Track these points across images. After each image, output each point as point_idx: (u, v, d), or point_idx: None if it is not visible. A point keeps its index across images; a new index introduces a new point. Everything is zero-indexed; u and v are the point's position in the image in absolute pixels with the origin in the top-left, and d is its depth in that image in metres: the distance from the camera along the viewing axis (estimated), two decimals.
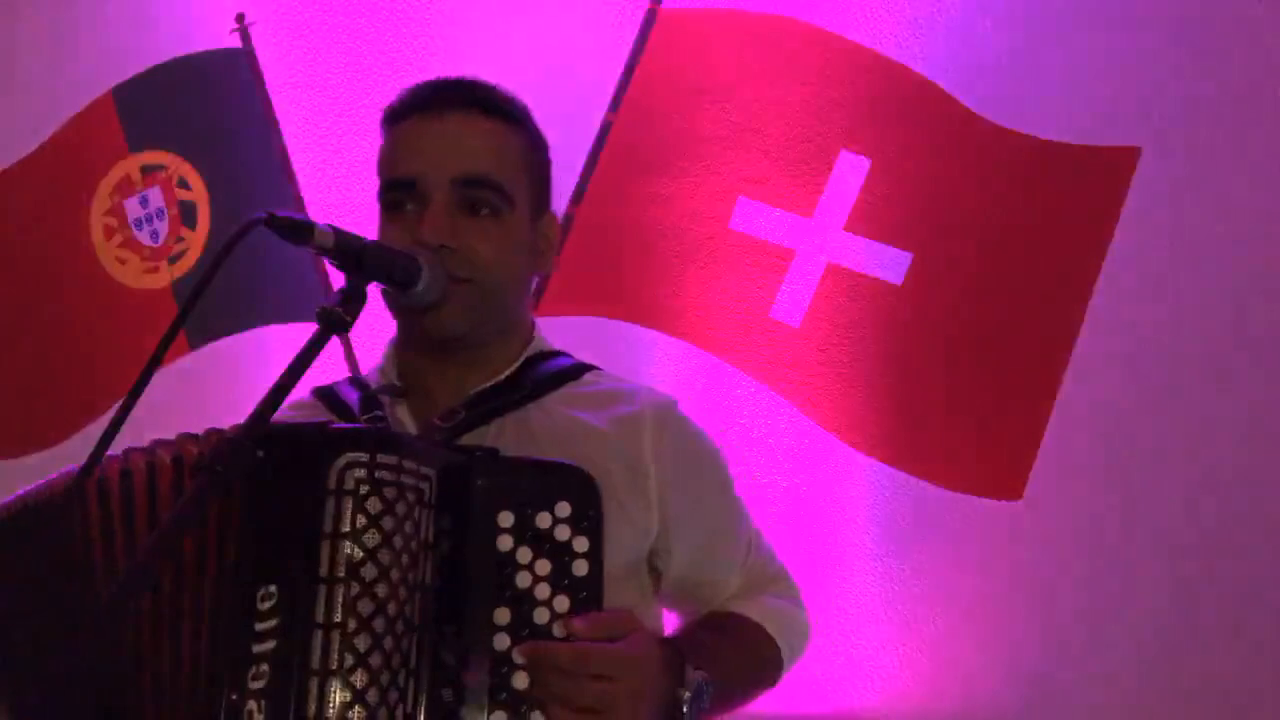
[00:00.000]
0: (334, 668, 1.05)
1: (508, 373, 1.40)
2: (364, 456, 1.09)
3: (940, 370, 2.51)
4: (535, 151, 1.45)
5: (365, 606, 1.06)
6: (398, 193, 1.36)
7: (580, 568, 1.14)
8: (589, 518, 1.16)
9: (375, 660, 1.06)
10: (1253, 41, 2.59)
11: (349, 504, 1.08)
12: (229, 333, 2.84)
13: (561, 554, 1.14)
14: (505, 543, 1.14)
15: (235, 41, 2.88)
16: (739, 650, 1.38)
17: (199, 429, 1.31)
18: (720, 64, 2.61)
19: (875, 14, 2.75)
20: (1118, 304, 2.49)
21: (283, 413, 1.33)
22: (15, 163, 3.06)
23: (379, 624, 1.07)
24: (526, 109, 1.48)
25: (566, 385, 1.42)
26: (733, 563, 1.45)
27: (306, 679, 1.05)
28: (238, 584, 1.08)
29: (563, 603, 1.13)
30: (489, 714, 1.10)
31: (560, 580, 1.13)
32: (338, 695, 1.04)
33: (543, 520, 1.15)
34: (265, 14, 2.93)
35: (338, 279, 1.22)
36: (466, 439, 1.33)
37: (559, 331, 2.62)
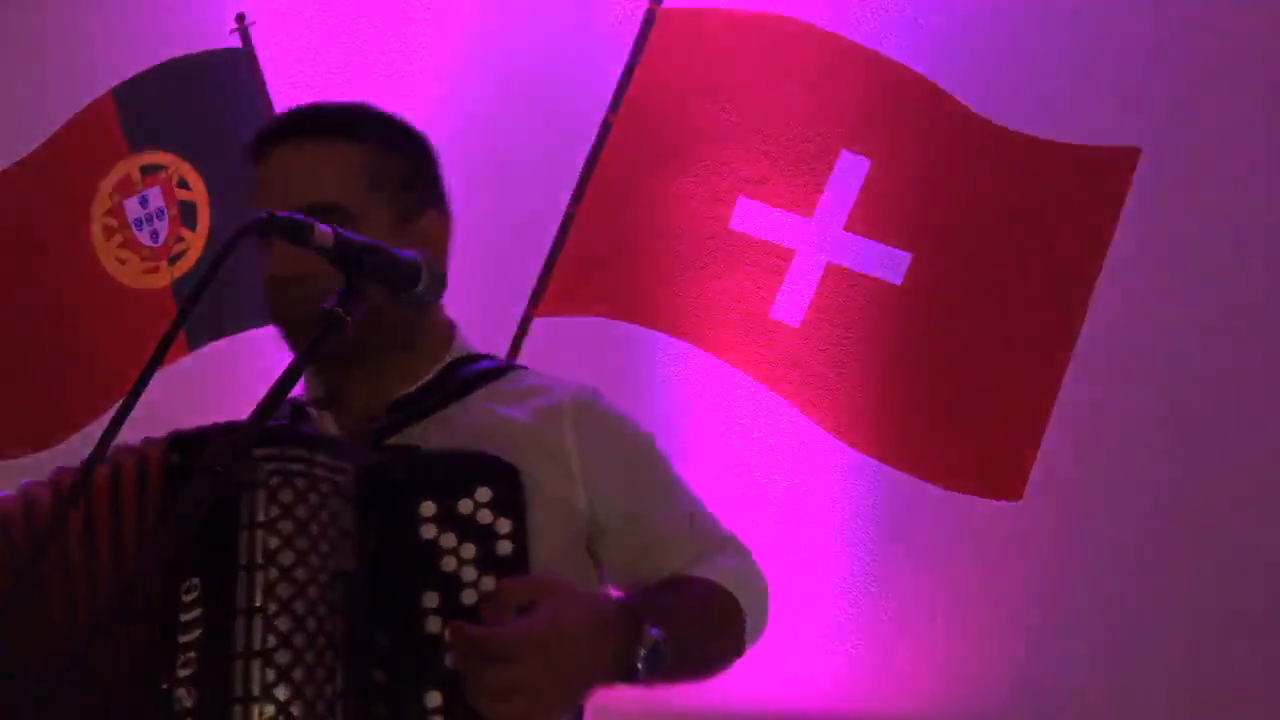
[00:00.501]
0: (257, 649, 1.10)
1: (428, 378, 1.41)
2: (274, 451, 1.15)
3: (940, 370, 2.51)
4: (388, 157, 1.42)
5: (285, 590, 1.12)
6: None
7: (504, 548, 1.17)
8: (510, 500, 1.19)
9: (298, 640, 1.11)
10: (1253, 41, 2.59)
11: (262, 495, 1.14)
12: (229, 333, 2.84)
13: (485, 536, 1.17)
14: (429, 530, 1.17)
15: (235, 41, 2.89)
16: (695, 607, 1.35)
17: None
18: (720, 64, 2.61)
19: (875, 14, 2.75)
20: (1118, 304, 2.49)
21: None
22: (15, 163, 3.06)
23: (299, 606, 1.12)
24: (375, 117, 1.47)
25: (490, 384, 1.43)
26: (675, 537, 1.42)
27: (231, 662, 1.10)
28: (163, 581, 1.13)
29: (489, 583, 1.16)
30: (425, 693, 1.13)
31: (485, 562, 1.16)
32: (263, 674, 1.10)
33: (464, 506, 1.18)
34: (265, 14, 2.94)
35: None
36: (392, 442, 1.35)
37: (559, 331, 2.64)
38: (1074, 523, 2.57)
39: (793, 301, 2.57)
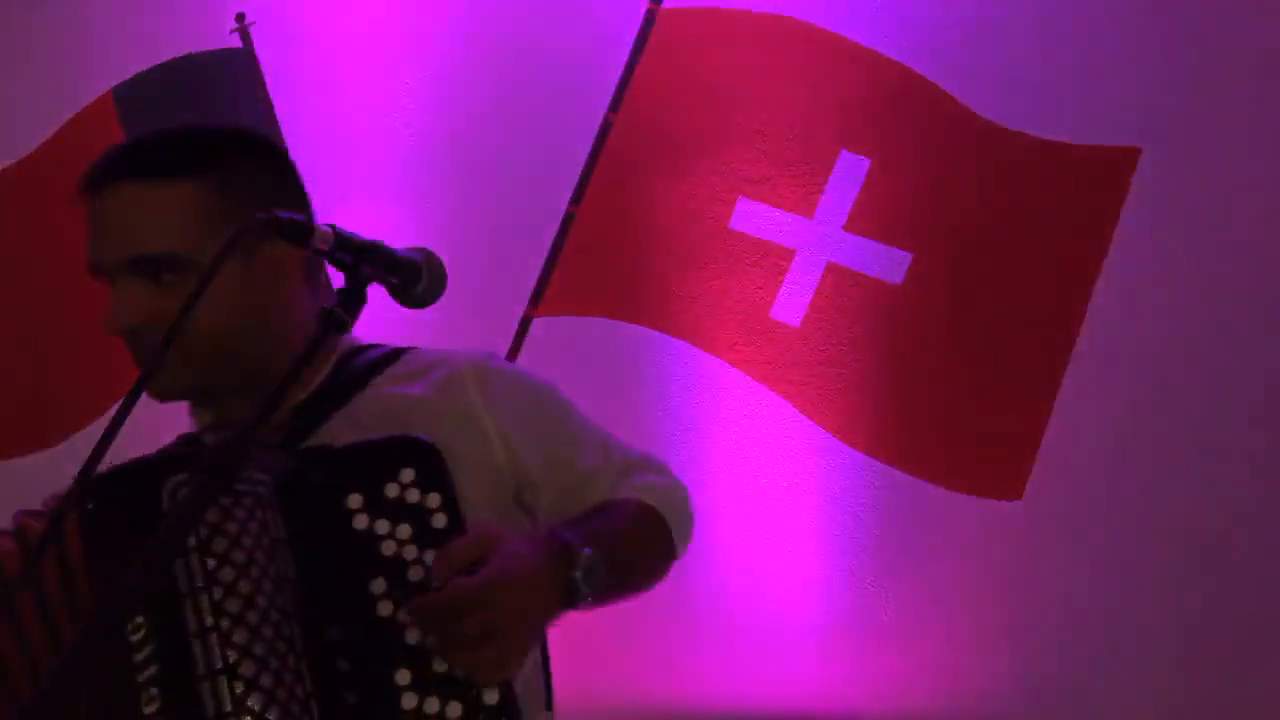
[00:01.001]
0: (219, 666, 1.11)
1: (321, 379, 1.40)
2: (186, 475, 1.16)
3: (940, 370, 2.51)
4: (222, 190, 1.34)
5: (233, 605, 1.13)
6: (94, 275, 1.39)
7: (439, 520, 1.19)
8: (433, 475, 1.20)
9: (258, 649, 1.12)
10: (1253, 41, 2.59)
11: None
12: None
13: (418, 514, 1.19)
14: (361, 521, 1.19)
15: (235, 41, 2.88)
16: (620, 524, 1.39)
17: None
18: (720, 64, 2.61)
19: (875, 14, 2.75)
20: (1118, 304, 2.49)
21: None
22: (15, 163, 3.06)
23: (252, 617, 1.13)
24: (216, 140, 1.40)
25: (384, 369, 1.43)
26: (594, 469, 1.46)
27: (197, 685, 1.11)
28: (106, 627, 1.10)
29: (431, 557, 1.18)
30: (393, 672, 1.15)
31: (424, 539, 1.18)
32: (231, 688, 1.11)
33: (391, 490, 1.19)
34: (265, 14, 2.94)
35: (337, 279, 1.22)
36: (304, 446, 1.34)
37: (559, 331, 2.64)
38: (1074, 523, 2.56)
39: (793, 301, 2.57)
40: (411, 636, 1.15)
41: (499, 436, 1.38)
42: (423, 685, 1.14)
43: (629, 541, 1.38)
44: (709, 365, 2.67)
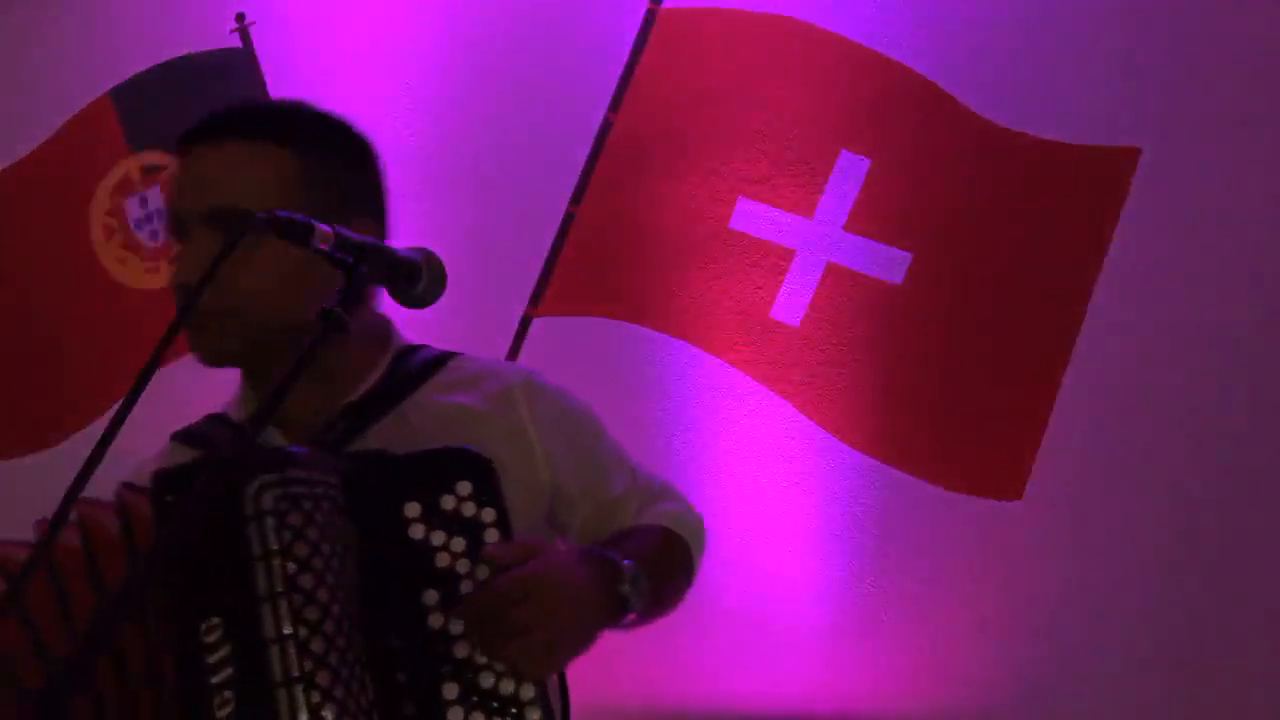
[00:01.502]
0: (296, 675, 1.09)
1: (374, 379, 1.41)
2: (273, 477, 1.13)
3: (940, 370, 2.51)
4: (314, 163, 1.38)
5: (312, 613, 1.11)
6: (172, 229, 1.38)
7: (492, 536, 1.20)
8: (489, 490, 1.22)
9: (333, 659, 1.11)
10: (1253, 41, 2.58)
11: (270, 523, 1.12)
12: None
13: (472, 529, 1.20)
14: (418, 531, 1.19)
15: (235, 41, 2.89)
16: (651, 546, 1.43)
17: None
18: (720, 64, 2.61)
19: (875, 14, 2.75)
20: (1118, 304, 2.49)
21: (145, 463, 1.36)
22: (15, 163, 3.07)
23: (329, 627, 1.12)
24: (311, 118, 1.43)
25: (435, 375, 1.44)
26: (625, 494, 1.51)
27: (273, 692, 1.09)
28: (179, 625, 1.11)
29: (484, 572, 1.19)
30: (441, 687, 1.15)
31: (476, 553, 1.19)
32: (308, 698, 1.09)
33: (447, 502, 1.20)
34: (265, 14, 2.94)
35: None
36: (350, 449, 1.34)
37: (559, 331, 2.64)
38: (1074, 523, 2.56)
39: (793, 301, 2.57)
40: (460, 650, 1.16)
41: (543, 454, 1.41)
42: (469, 700, 1.14)
43: (661, 564, 1.40)
44: (709, 365, 2.67)
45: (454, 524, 1.20)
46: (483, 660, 1.16)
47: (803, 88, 2.59)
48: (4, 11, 3.27)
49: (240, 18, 2.89)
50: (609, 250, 2.62)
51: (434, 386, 1.42)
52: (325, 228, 1.17)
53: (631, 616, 1.28)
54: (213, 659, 1.10)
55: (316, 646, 1.10)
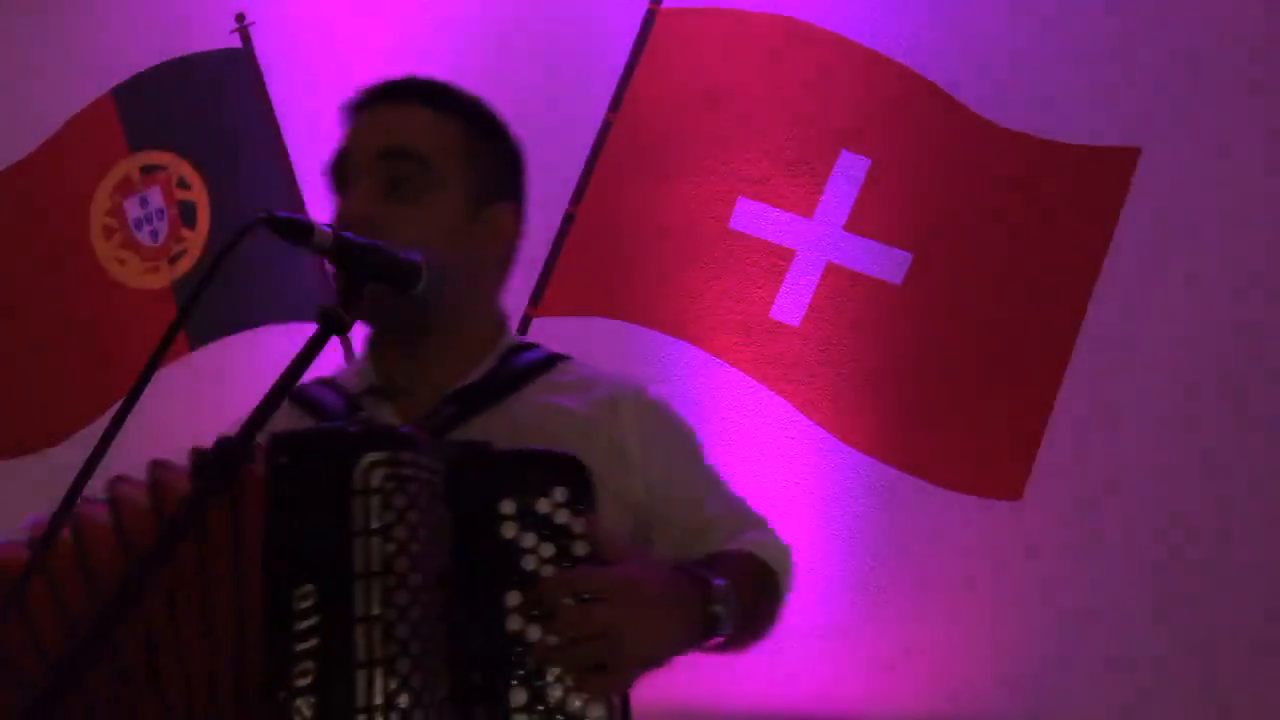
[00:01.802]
0: (379, 657, 1.07)
1: (485, 368, 1.43)
2: (384, 455, 1.12)
3: (940, 370, 2.51)
4: (481, 141, 1.45)
5: (402, 598, 1.09)
6: (335, 176, 1.42)
7: (581, 548, 1.18)
8: (584, 499, 1.20)
9: (415, 647, 1.09)
10: (1253, 42, 2.59)
11: (376, 501, 1.10)
12: (229, 333, 2.84)
13: (562, 536, 1.18)
14: (509, 530, 1.17)
15: (235, 41, 2.89)
16: (745, 572, 1.42)
17: (199, 429, 1.31)
18: (720, 64, 2.61)
19: (875, 14, 2.75)
20: (1117, 304, 2.49)
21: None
22: (15, 163, 3.07)
23: (415, 613, 1.10)
24: (478, 106, 1.49)
25: (543, 375, 1.46)
26: (717, 515, 1.50)
27: (353, 671, 1.07)
28: (271, 586, 1.10)
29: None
30: (510, 692, 1.13)
31: (563, 561, 1.17)
32: (385, 683, 1.07)
33: (542, 506, 1.19)
34: (265, 14, 2.94)
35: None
36: (453, 434, 1.35)
37: (559, 331, 2.64)
38: (1074, 523, 2.56)
39: (793, 301, 2.57)
40: (531, 661, 1.14)
41: (643, 471, 1.41)
42: (535, 709, 1.13)
43: (750, 589, 1.38)
44: (709, 365, 2.67)
45: (545, 528, 1.18)
46: (555, 672, 1.13)
47: (803, 88, 2.59)
48: (4, 12, 3.27)
49: (240, 18, 2.89)
50: (609, 250, 2.62)
51: (542, 386, 1.44)
52: (325, 228, 1.17)
53: (718, 640, 1.25)
54: (301, 626, 1.08)
55: (401, 632, 1.08)
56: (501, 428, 1.35)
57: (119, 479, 1.20)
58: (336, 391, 1.44)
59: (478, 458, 1.21)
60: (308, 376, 1.17)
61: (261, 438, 1.12)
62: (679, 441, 1.49)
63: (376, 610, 1.08)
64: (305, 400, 1.43)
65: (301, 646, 1.08)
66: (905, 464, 2.53)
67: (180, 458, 1.21)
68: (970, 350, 2.49)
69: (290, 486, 1.12)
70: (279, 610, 1.09)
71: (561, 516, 1.19)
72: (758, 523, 1.55)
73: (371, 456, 1.11)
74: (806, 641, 2.66)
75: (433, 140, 1.40)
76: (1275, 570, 2.48)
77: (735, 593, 1.27)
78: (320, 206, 3.02)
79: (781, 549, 1.53)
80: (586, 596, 1.14)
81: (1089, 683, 2.54)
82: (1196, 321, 2.56)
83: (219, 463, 1.07)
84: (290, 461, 1.12)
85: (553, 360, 1.48)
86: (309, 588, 1.09)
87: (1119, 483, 2.56)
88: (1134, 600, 2.53)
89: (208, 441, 1.22)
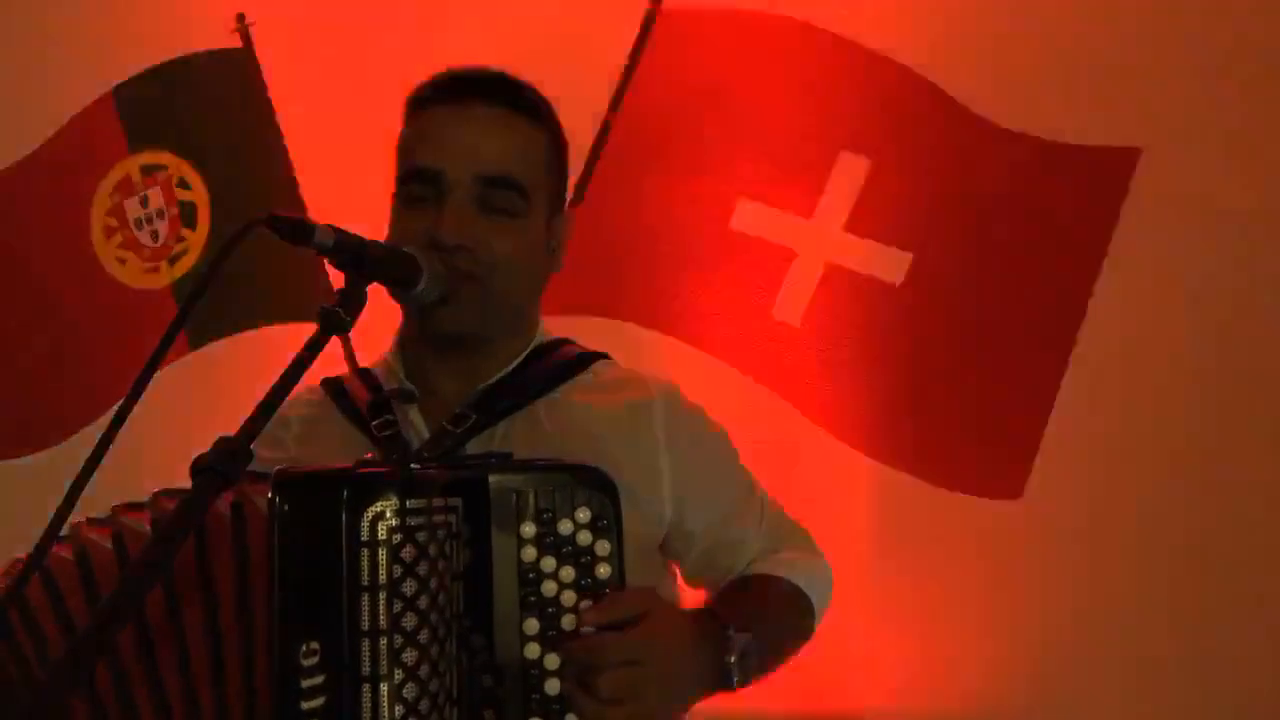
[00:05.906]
0: (385, 718, 1.06)
1: (512, 366, 1.42)
2: (394, 504, 1.08)
3: (940, 370, 2.51)
4: (556, 150, 1.45)
5: (410, 656, 1.07)
6: (418, 184, 1.37)
7: (603, 570, 1.16)
8: (608, 520, 1.17)
9: (424, 706, 1.07)
10: (1253, 41, 2.58)
11: (384, 554, 1.08)
12: (229, 333, 2.84)
13: (584, 559, 1.16)
14: (529, 553, 1.16)
15: (235, 41, 2.89)
16: (772, 606, 1.40)
17: (199, 429, 1.31)
18: (721, 64, 2.61)
19: (875, 14, 2.74)
20: (1118, 304, 2.49)
21: (291, 402, 1.34)
22: (15, 163, 3.06)
23: (424, 670, 1.08)
24: (551, 107, 1.47)
25: (576, 376, 1.44)
26: (749, 529, 1.48)
27: None
28: (277, 641, 1.08)
29: (588, 608, 1.16)
30: None
31: (584, 585, 1.15)
32: None
33: (564, 527, 1.17)
34: (265, 14, 2.93)
35: (338, 279, 1.22)
36: (477, 439, 1.34)
37: (559, 332, 2.63)
38: (1074, 523, 2.56)
39: (793, 301, 2.57)
40: (551, 687, 1.13)
41: (671, 483, 1.38)
42: None
43: (779, 627, 1.38)
44: (709, 365, 2.67)
45: (566, 551, 1.16)
46: (571, 698, 1.13)
47: (803, 88, 2.59)
48: (5, 11, 3.27)
49: (240, 18, 2.88)
50: (609, 250, 2.62)
51: (574, 388, 1.42)
52: (325, 228, 1.17)
53: (735, 688, 1.26)
54: (307, 684, 1.06)
55: (410, 692, 1.06)
56: (529, 434, 1.34)
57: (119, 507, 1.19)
58: (368, 386, 1.43)
59: (498, 474, 1.18)
60: (308, 377, 1.17)
61: (264, 448, 1.12)
62: (710, 450, 1.47)
63: (383, 669, 1.06)
64: (337, 393, 1.44)
65: (308, 705, 1.06)
66: (905, 464, 2.52)
67: (180, 458, 1.21)
68: (970, 350, 2.49)
69: (294, 535, 1.09)
70: (285, 666, 1.07)
71: (584, 538, 1.16)
72: (794, 534, 1.53)
73: (379, 505, 1.08)
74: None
75: (528, 162, 1.38)
76: (1275, 569, 2.48)
77: (756, 641, 1.26)
78: (320, 206, 3.03)
79: (816, 565, 1.51)
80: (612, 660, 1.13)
81: (1090, 682, 2.54)
82: (1197, 321, 2.56)
83: (217, 470, 1.05)
84: (293, 505, 1.09)
85: (586, 360, 1.46)
86: (315, 644, 1.07)
87: (1119, 482, 2.56)
88: (1135, 599, 2.53)
89: (207, 442, 1.21)
